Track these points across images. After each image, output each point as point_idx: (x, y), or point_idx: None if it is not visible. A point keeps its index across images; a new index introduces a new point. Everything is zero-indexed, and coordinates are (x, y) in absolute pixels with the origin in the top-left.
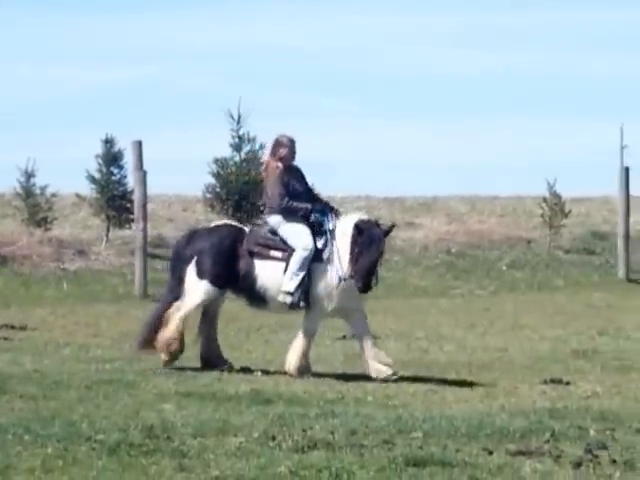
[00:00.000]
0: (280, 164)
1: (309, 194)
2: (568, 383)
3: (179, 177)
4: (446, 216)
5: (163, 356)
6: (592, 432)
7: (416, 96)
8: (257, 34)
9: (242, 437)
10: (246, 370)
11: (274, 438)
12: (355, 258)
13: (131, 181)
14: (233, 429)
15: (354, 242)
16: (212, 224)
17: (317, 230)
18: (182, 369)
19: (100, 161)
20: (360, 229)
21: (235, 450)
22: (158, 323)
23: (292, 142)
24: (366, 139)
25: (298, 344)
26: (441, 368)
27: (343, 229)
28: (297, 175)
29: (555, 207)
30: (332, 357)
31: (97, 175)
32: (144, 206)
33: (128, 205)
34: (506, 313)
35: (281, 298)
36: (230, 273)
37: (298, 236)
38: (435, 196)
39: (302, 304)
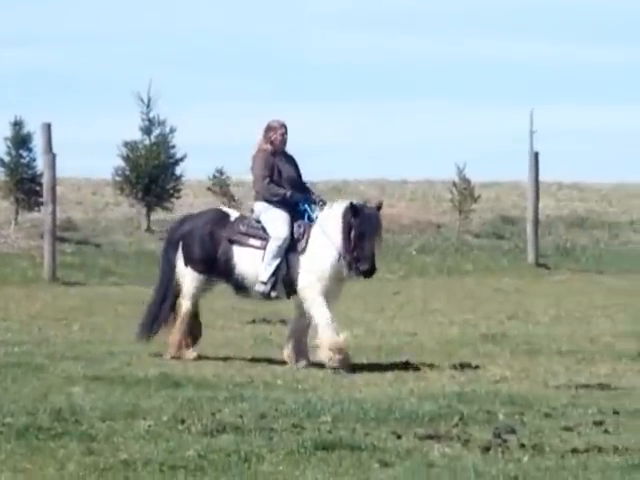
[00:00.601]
0: (270, 147)
1: (298, 182)
2: (477, 367)
3: (88, 160)
4: (356, 200)
5: (170, 351)
6: (501, 416)
7: (327, 80)
8: (167, 17)
9: (151, 420)
10: (155, 354)
11: (183, 422)
12: (355, 242)
13: (40, 164)
14: (142, 413)
15: (348, 225)
16: (203, 209)
17: (297, 219)
18: (91, 354)
19: (9, 144)
20: (355, 211)
21: (144, 433)
22: (160, 314)
23: (284, 127)
24: None
25: (322, 339)
26: (351, 352)
27: (333, 215)
28: (288, 162)
29: (465, 192)
30: (241, 341)
31: (6, 158)
32: (53, 189)
33: (37, 188)
34: (415, 297)
35: (256, 287)
36: (211, 260)
37: (274, 225)
38: (345, 180)
39: (273, 294)
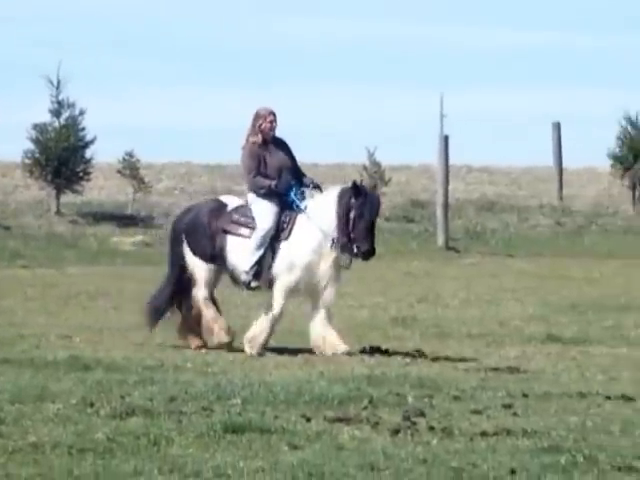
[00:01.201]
0: (259, 138)
1: (290, 169)
2: (387, 350)
3: None
4: None
5: (214, 342)
6: (410, 399)
7: (235, 64)
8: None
9: (60, 403)
10: (65, 337)
11: (92, 404)
12: (354, 222)
13: None
14: (51, 395)
15: (346, 207)
16: (204, 199)
17: (286, 208)
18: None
19: None
20: (357, 192)
21: (53, 416)
22: (181, 307)
23: (272, 114)
24: (184, 105)
25: (258, 323)
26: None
27: (324, 201)
28: (278, 149)
29: (375, 175)
30: None
31: None
32: None
33: None
34: None
35: (242, 276)
36: (211, 249)
37: (260, 216)
38: None
39: (254, 283)
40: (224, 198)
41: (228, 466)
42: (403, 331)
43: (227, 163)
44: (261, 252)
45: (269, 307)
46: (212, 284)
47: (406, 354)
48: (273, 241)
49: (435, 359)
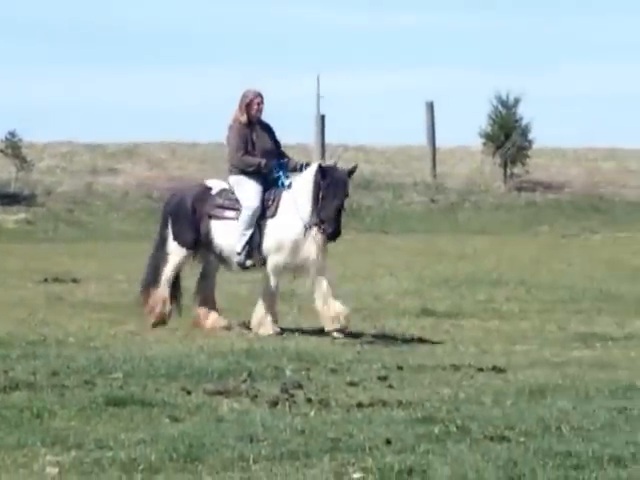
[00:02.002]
0: (245, 118)
1: (274, 151)
2: None
3: None
4: (147, 162)
5: (150, 319)
6: (288, 372)
7: (116, 44)
8: None
9: None
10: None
11: None
12: (320, 204)
13: None
14: None
15: (316, 187)
16: (191, 184)
17: (270, 186)
18: None
19: None
20: (323, 173)
21: None
22: (149, 284)
23: (259, 96)
24: (65, 86)
25: (258, 306)
26: (141, 310)
27: (303, 179)
28: (264, 131)
29: None
30: (33, 300)
31: None
32: None
33: None
34: None
35: (234, 258)
36: (194, 235)
37: (246, 195)
38: (136, 142)
39: (248, 263)
40: (209, 182)
41: (110, 438)
42: (282, 305)
43: (107, 141)
44: (250, 231)
45: (265, 287)
46: (179, 268)
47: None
48: (260, 220)
49: (313, 333)
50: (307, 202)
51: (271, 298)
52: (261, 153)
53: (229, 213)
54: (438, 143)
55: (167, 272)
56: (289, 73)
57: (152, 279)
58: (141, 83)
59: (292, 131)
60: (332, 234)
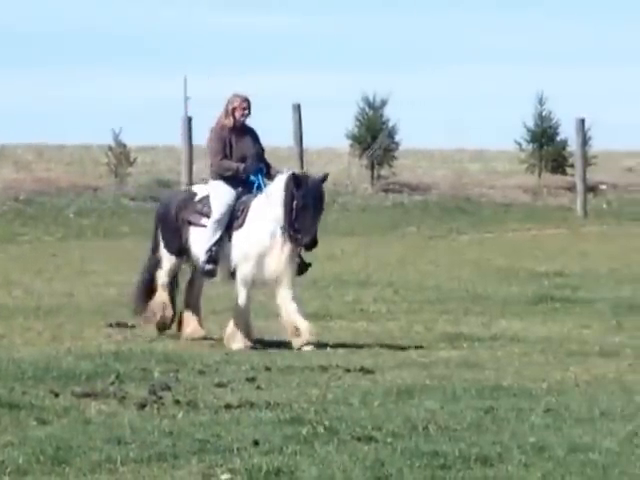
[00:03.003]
0: (230, 122)
1: (255, 157)
2: (133, 326)
3: None
4: (14, 164)
5: (150, 325)
6: (156, 374)
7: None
8: None
9: None
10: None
11: None
12: (295, 213)
13: None
14: None
15: (290, 196)
16: (184, 189)
17: (246, 194)
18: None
19: None
20: (297, 182)
21: None
22: (145, 290)
23: (245, 101)
24: None
25: (231, 323)
26: (9, 313)
27: (274, 188)
28: (247, 136)
29: (121, 156)
30: None
31: None
32: None
33: None
34: (73, 259)
35: (200, 266)
36: (177, 242)
37: (217, 201)
38: (2, 144)
39: (208, 267)
40: (195, 187)
41: None
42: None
43: None
44: (216, 237)
45: (236, 300)
46: (174, 273)
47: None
48: (228, 230)
49: (176, 336)
50: (279, 212)
51: (242, 311)
52: (239, 158)
53: (204, 220)
54: (306, 145)
55: (162, 277)
56: (157, 74)
57: (146, 285)
58: (6, 84)
59: (161, 133)
60: (309, 244)
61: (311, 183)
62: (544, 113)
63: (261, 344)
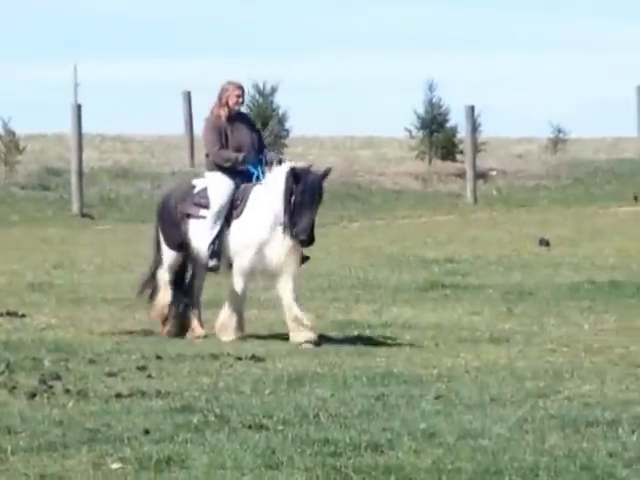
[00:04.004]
0: (225, 112)
1: (251, 145)
2: (23, 315)
3: None
4: None
5: (164, 328)
6: (47, 363)
7: None
8: None
9: None
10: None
11: None
12: (293, 209)
13: None
14: None
15: (288, 191)
16: (182, 182)
17: (244, 184)
18: None
19: None
20: (296, 176)
21: None
22: (148, 287)
23: (239, 88)
24: None
25: (223, 310)
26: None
27: (273, 180)
28: (243, 125)
29: (10, 144)
30: None
31: None
32: None
33: None
34: None
35: (202, 259)
36: (178, 236)
37: (215, 193)
38: None
39: (211, 263)
40: (195, 180)
41: None
42: (40, 297)
43: None
44: (216, 230)
45: (231, 291)
46: (176, 268)
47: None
48: (227, 220)
49: (71, 324)
50: (277, 204)
51: (237, 303)
52: (235, 148)
53: (203, 212)
54: (196, 132)
55: (163, 275)
56: (46, 61)
57: (148, 281)
58: None
59: (50, 120)
60: (304, 242)
61: (311, 179)
62: (434, 100)
63: (253, 337)
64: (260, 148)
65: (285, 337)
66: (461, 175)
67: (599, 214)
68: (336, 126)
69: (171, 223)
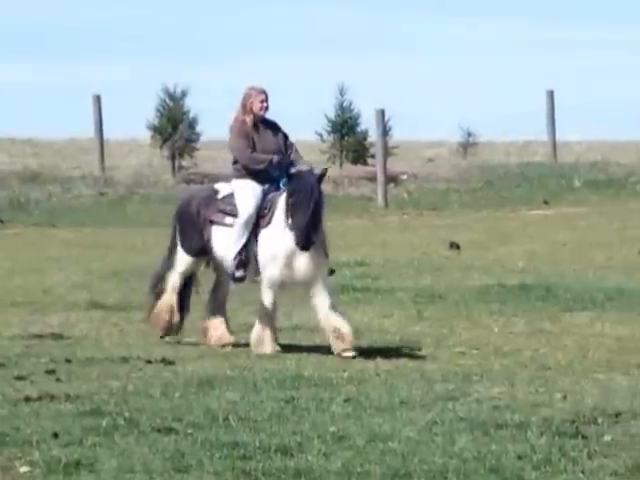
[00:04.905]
0: (250, 118)
1: (281, 151)
2: None
3: None
4: None
5: (156, 329)
6: None
7: None
8: None
9: None
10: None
11: None
12: (290, 212)
13: None
14: None
15: (288, 193)
16: (204, 186)
17: (272, 192)
18: None
19: None
20: (289, 178)
21: None
22: (157, 291)
23: (262, 93)
24: None
25: (256, 324)
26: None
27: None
28: (269, 131)
29: None
30: None
31: None
32: None
33: None
34: None
35: (228, 269)
36: (198, 242)
37: (243, 201)
38: None
39: (238, 274)
40: (218, 185)
41: None
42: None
43: None
44: (243, 240)
45: (261, 304)
46: (186, 274)
47: None
48: (255, 229)
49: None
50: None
51: (268, 315)
52: (262, 154)
53: (229, 219)
54: (107, 136)
55: (173, 279)
56: None
57: (156, 285)
58: None
59: None
60: (302, 245)
61: (304, 179)
62: (345, 104)
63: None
64: (287, 154)
65: (195, 341)
66: (372, 179)
67: (509, 217)
68: None
69: (192, 228)
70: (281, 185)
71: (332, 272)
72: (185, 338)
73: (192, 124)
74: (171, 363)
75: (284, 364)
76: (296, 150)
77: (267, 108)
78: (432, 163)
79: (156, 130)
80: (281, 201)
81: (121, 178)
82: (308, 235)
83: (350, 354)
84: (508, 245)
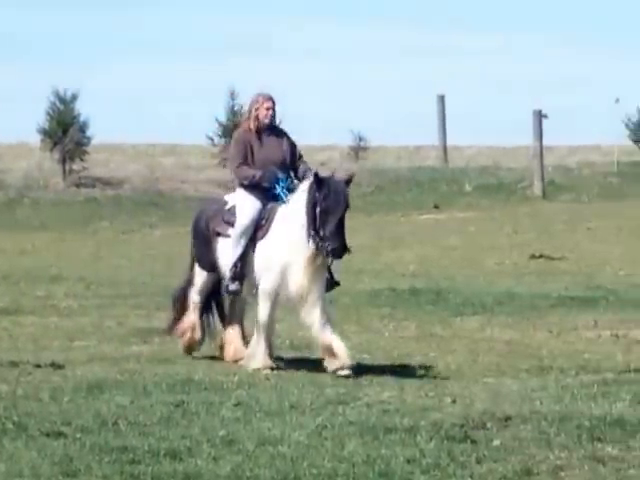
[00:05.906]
0: (253, 125)
1: (286, 161)
2: None
3: None
4: None
5: (180, 344)
6: None
7: None
8: None
9: None
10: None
11: None
12: (319, 219)
13: None
14: None
15: (313, 201)
16: (215, 197)
17: (270, 203)
18: None
19: None
20: (319, 184)
21: None
22: (178, 307)
23: (269, 100)
24: None
25: (253, 340)
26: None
27: (298, 194)
28: (274, 139)
29: None
30: None
31: None
32: None
33: None
34: None
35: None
36: (208, 255)
37: (241, 212)
38: None
39: (232, 287)
40: (228, 196)
41: None
42: None
43: None
44: (238, 252)
45: (257, 317)
46: (206, 290)
47: None
48: (252, 241)
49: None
50: (302, 220)
51: (264, 329)
52: (262, 164)
53: (231, 230)
54: None
55: (193, 296)
56: None
57: (179, 301)
58: None
59: None
60: (337, 251)
61: (333, 184)
62: (235, 108)
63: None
64: (292, 163)
65: (86, 344)
66: None
67: (400, 222)
68: (138, 133)
69: (202, 242)
70: (280, 200)
71: (337, 284)
72: (76, 342)
73: (82, 128)
74: (60, 367)
75: (174, 368)
76: (304, 161)
77: (274, 115)
78: (324, 167)
79: (46, 133)
80: (279, 213)
81: (12, 181)
82: (342, 242)
83: (345, 372)
84: (399, 249)
